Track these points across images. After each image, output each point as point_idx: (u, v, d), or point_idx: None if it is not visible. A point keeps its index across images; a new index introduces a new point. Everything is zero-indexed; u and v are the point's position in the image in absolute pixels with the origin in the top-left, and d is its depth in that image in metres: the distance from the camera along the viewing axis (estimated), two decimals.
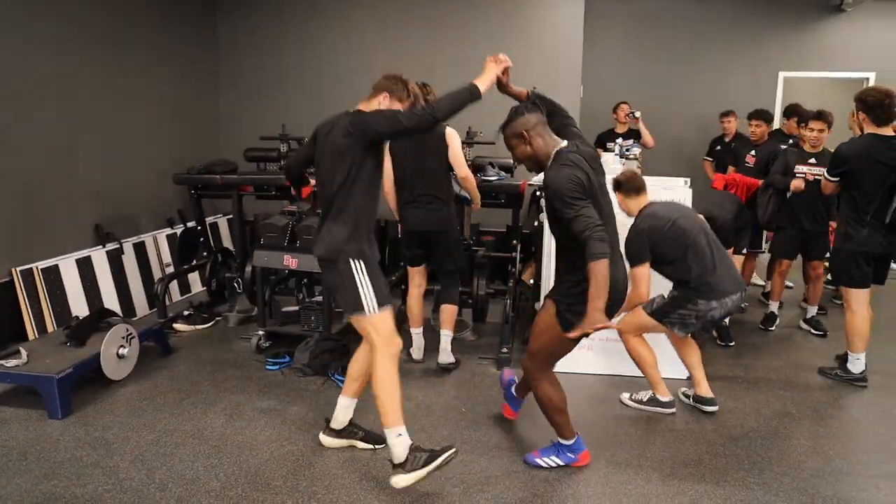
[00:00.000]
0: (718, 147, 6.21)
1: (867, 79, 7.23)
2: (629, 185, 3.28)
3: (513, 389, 3.18)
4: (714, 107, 6.40)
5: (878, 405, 3.54)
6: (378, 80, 2.77)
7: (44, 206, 4.21)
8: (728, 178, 4.98)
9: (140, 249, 4.94)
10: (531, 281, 4.55)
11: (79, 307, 4.24)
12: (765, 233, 5.20)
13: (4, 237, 3.96)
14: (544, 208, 2.46)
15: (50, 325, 4.03)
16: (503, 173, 4.40)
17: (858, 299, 3.68)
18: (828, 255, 4.54)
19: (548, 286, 3.88)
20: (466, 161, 3.87)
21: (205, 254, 5.10)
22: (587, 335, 2.35)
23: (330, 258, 2.59)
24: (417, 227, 3.73)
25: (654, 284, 3.22)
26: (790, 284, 5.55)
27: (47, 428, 3.08)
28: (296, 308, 4.31)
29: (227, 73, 6.23)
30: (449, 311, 3.89)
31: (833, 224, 4.38)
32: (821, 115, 4.32)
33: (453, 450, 2.54)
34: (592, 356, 3.81)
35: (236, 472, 2.73)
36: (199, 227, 5.04)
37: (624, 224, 2.98)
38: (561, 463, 2.77)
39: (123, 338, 3.62)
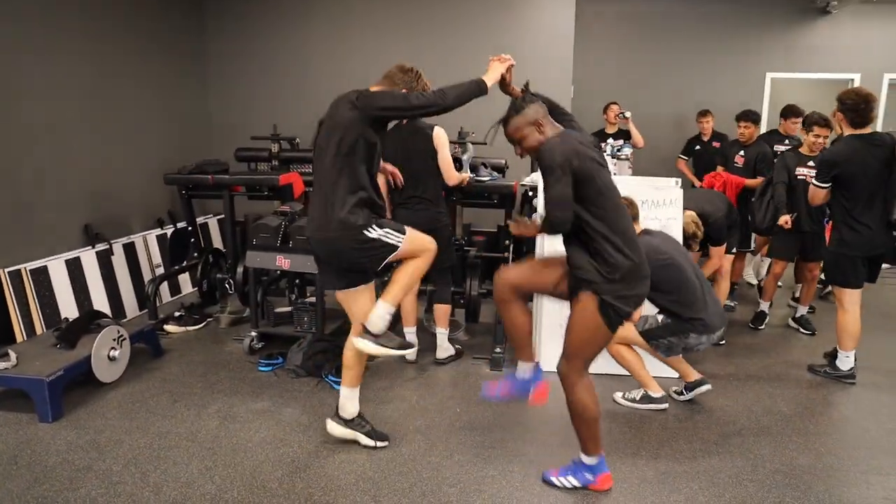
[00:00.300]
0: (698, 147, 6.26)
1: (852, 80, 7.33)
2: None
3: (520, 374, 2.62)
4: (702, 107, 6.45)
5: (866, 402, 3.59)
6: (391, 69, 2.79)
7: (32, 206, 4.16)
8: (718, 178, 5.02)
9: (130, 250, 4.90)
10: None
11: (68, 309, 4.20)
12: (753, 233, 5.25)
13: None
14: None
15: (39, 327, 3.98)
16: (495, 173, 4.41)
17: (852, 299, 3.72)
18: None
19: None
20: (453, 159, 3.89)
21: (196, 254, 5.06)
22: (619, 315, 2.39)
23: (336, 238, 2.58)
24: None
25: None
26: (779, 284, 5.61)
27: (38, 431, 3.05)
28: (288, 309, 4.29)
29: (218, 72, 6.19)
30: (443, 310, 3.95)
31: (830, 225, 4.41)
32: (827, 123, 4.29)
33: (415, 349, 2.86)
34: None
35: (232, 474, 2.71)
36: (189, 228, 5.00)
37: None
38: (578, 484, 2.61)
39: (114, 340, 3.58)
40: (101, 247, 4.60)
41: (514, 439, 3.07)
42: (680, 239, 3.97)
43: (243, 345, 4.11)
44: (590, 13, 6.98)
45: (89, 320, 3.69)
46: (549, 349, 3.77)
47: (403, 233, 2.66)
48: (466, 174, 4.07)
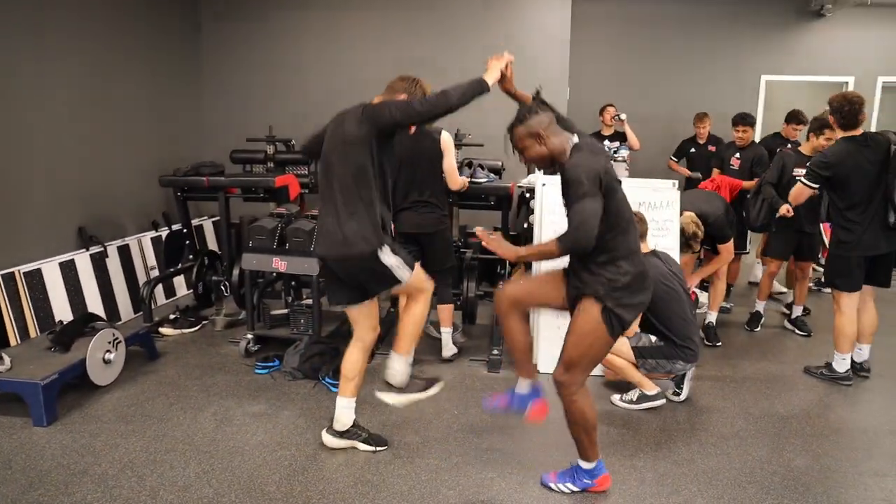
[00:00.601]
0: (692, 149, 6.27)
1: (846, 83, 7.37)
2: None
3: (519, 389, 2.60)
4: (698, 109, 6.45)
5: (862, 403, 3.60)
6: (393, 80, 2.78)
7: (26, 208, 4.12)
8: (715, 182, 5.03)
9: (125, 252, 4.86)
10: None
11: (62, 312, 4.16)
12: (749, 234, 5.26)
13: None
14: (563, 204, 2.40)
15: (33, 331, 3.95)
16: (492, 175, 4.41)
17: (848, 302, 3.73)
18: (819, 256, 4.60)
19: None
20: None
21: (191, 257, 5.04)
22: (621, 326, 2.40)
23: (359, 257, 2.57)
24: (411, 229, 3.78)
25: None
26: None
27: (32, 436, 3.02)
28: (285, 311, 4.27)
29: (213, 73, 6.17)
30: (447, 310, 4.02)
31: (826, 225, 4.42)
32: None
33: (441, 382, 2.84)
34: None
35: (229, 478, 2.69)
36: (184, 230, 4.98)
37: None
38: (576, 489, 2.61)
39: (110, 343, 3.56)
40: (95, 249, 4.57)
41: (513, 442, 3.06)
42: (678, 242, 3.99)
43: (239, 347, 4.09)
44: (586, 15, 6.99)
45: (84, 323, 3.66)
46: (546, 349, 3.78)
47: (412, 268, 2.69)
48: (466, 179, 4.08)
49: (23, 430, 3.06)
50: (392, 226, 3.87)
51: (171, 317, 4.53)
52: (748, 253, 5.50)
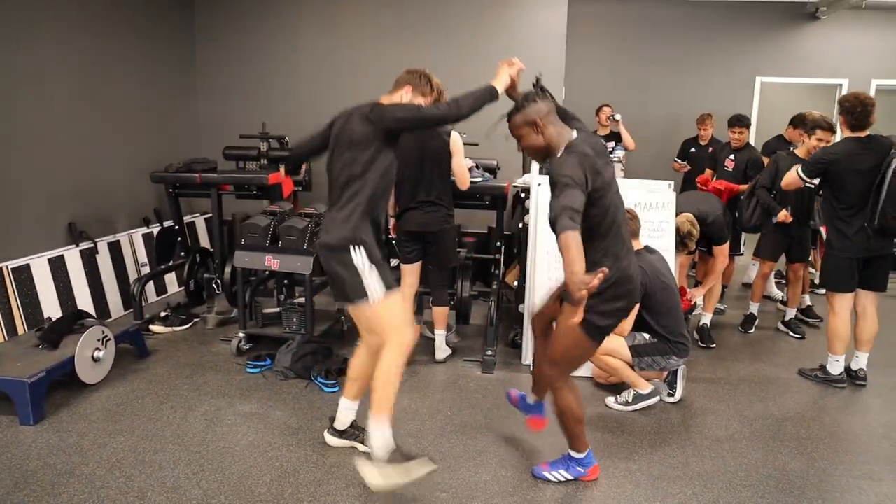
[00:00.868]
0: (693, 149, 6.27)
1: (840, 85, 7.40)
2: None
3: (528, 400, 2.94)
4: (693, 110, 6.47)
5: (856, 406, 3.60)
6: (400, 74, 2.76)
7: (15, 203, 4.06)
8: (711, 186, 5.01)
9: (115, 249, 4.81)
10: (515, 283, 4.55)
11: (51, 308, 4.11)
12: (743, 235, 5.26)
13: None
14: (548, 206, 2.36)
15: (21, 327, 3.89)
16: (487, 174, 4.38)
17: (842, 303, 3.73)
18: (811, 258, 4.59)
19: (533, 288, 3.88)
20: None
21: (182, 254, 4.99)
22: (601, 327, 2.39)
23: (331, 246, 2.50)
24: (415, 227, 3.75)
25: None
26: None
27: (19, 434, 2.97)
28: (277, 310, 4.23)
29: (206, 70, 6.11)
30: (442, 313, 4.00)
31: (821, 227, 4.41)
32: (831, 127, 4.22)
33: (432, 467, 2.42)
34: None
35: (219, 479, 2.66)
36: (176, 227, 4.93)
37: None
38: (570, 477, 2.69)
39: (99, 340, 3.51)
40: (85, 245, 4.51)
41: (506, 443, 3.03)
42: (673, 242, 3.97)
43: (231, 346, 4.05)
44: (582, 15, 6.99)
45: (73, 320, 3.61)
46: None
47: (387, 289, 2.47)
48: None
49: (9, 429, 3.01)
50: (392, 224, 3.87)
51: (162, 314, 4.48)
52: (742, 255, 5.51)
